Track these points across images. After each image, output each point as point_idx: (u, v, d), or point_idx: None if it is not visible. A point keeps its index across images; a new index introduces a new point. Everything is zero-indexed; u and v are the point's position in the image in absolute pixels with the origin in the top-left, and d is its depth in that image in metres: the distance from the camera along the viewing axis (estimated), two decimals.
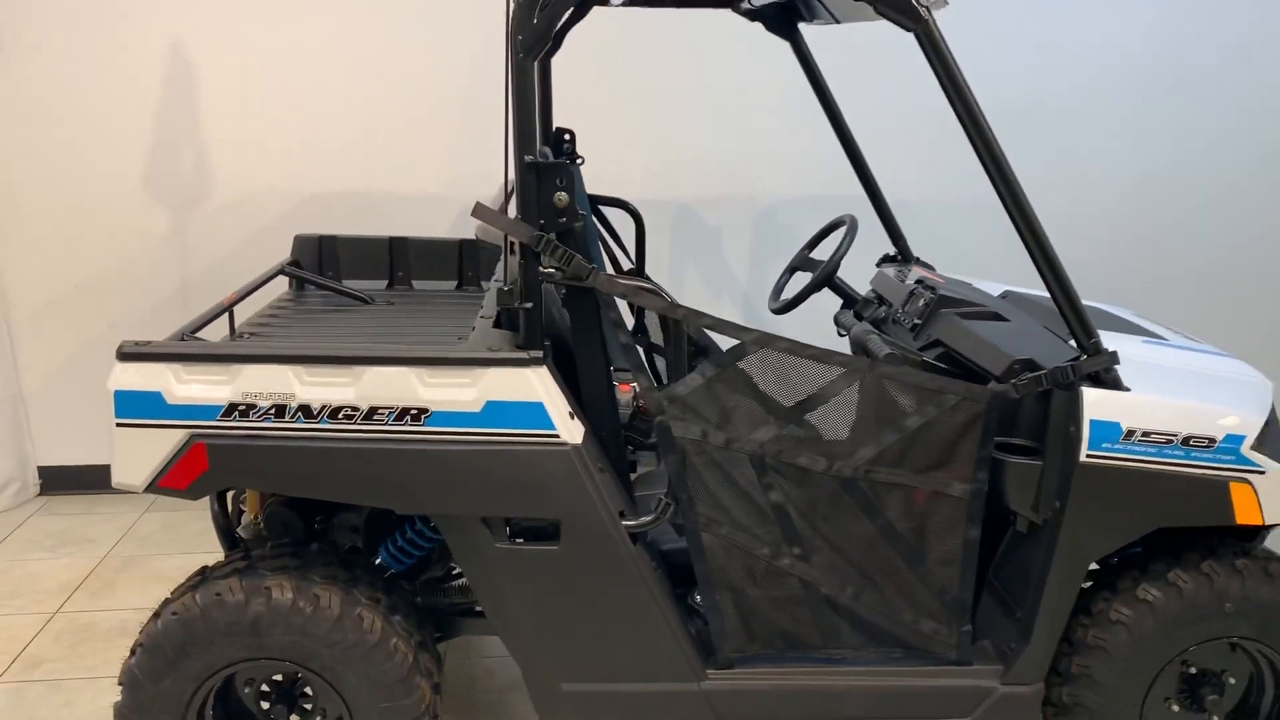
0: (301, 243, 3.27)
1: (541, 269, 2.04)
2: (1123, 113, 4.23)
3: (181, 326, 2.32)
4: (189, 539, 3.86)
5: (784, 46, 3.04)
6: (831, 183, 4.06)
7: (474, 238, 3.29)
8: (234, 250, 4.05)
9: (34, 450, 4.19)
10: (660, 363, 2.97)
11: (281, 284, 3.16)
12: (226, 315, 2.58)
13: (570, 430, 2.06)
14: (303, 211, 4.04)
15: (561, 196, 2.04)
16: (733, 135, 4.12)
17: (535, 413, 2.04)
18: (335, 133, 4.01)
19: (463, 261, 3.32)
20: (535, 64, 2.00)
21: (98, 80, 3.89)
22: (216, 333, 2.49)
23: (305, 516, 2.46)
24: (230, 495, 2.56)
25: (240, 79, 3.94)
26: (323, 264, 3.29)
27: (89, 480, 4.21)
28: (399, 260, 3.31)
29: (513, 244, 2.08)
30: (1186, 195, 4.34)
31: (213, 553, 3.62)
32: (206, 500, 3.81)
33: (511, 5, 1.99)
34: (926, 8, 1.98)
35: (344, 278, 3.27)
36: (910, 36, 2.02)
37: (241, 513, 2.58)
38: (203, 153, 3.98)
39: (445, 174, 4.06)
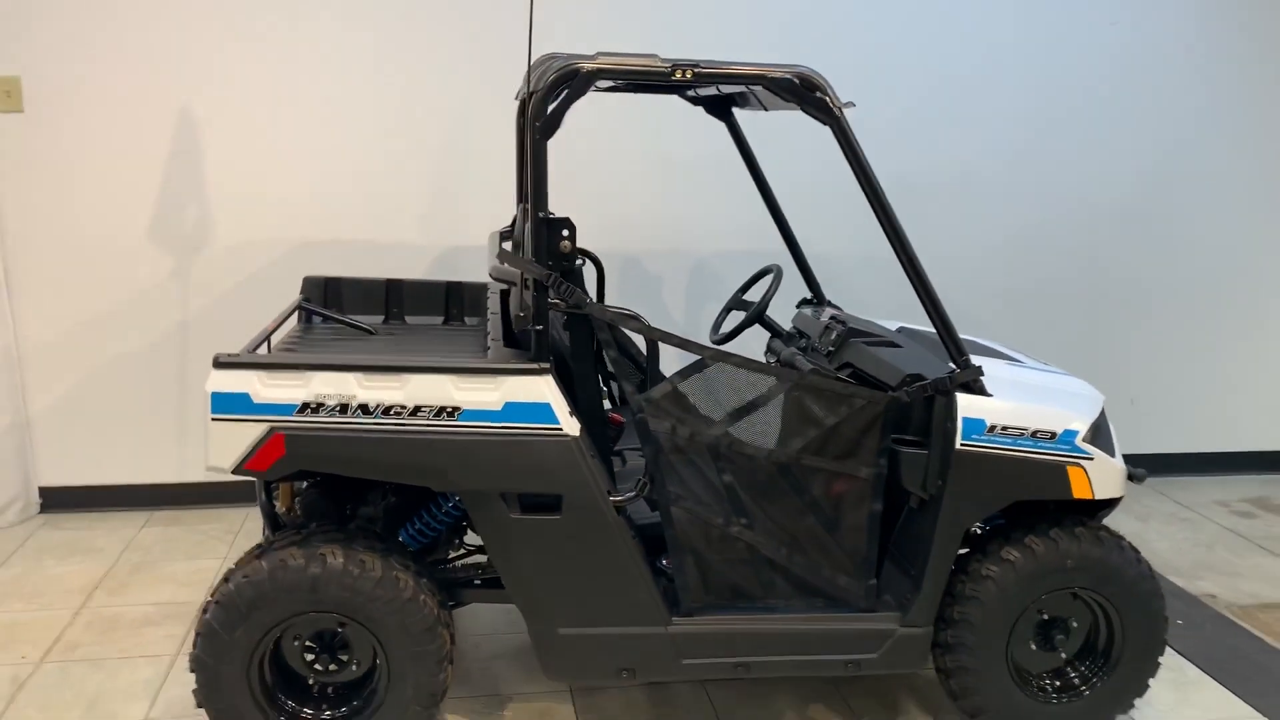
0: (310, 283, 3.80)
1: (549, 300, 2.64)
2: (994, 182, 5.02)
3: (244, 346, 2.83)
4: (189, 548, 4.27)
5: (720, 124, 3.70)
6: (756, 239, 4.75)
7: (456, 281, 3.87)
8: (229, 292, 4.53)
9: (35, 471, 4.58)
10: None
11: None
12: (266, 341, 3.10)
13: (570, 425, 2.64)
14: (292, 258, 4.54)
15: (565, 244, 2.65)
16: (674, 197, 4.74)
17: (544, 411, 2.62)
18: (324, 186, 4.51)
19: (449, 300, 3.89)
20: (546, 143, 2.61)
21: (110, 136, 4.31)
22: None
23: (336, 504, 3.00)
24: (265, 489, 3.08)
25: (240, 137, 4.42)
26: (327, 301, 3.83)
27: (86, 500, 4.60)
28: (394, 298, 3.86)
29: (526, 280, 2.67)
30: (1049, 249, 5.13)
31: (215, 558, 4.15)
32: (199, 518, 4.40)
33: (531, 98, 2.60)
34: (839, 108, 2.66)
35: (346, 313, 3.81)
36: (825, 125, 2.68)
37: (275, 500, 3.09)
38: (205, 204, 4.47)
39: (421, 223, 4.62)
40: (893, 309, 4.73)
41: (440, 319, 3.89)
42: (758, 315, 3.61)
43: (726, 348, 2.96)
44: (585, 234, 4.64)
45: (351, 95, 4.47)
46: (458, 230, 4.62)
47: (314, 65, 4.43)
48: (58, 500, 4.60)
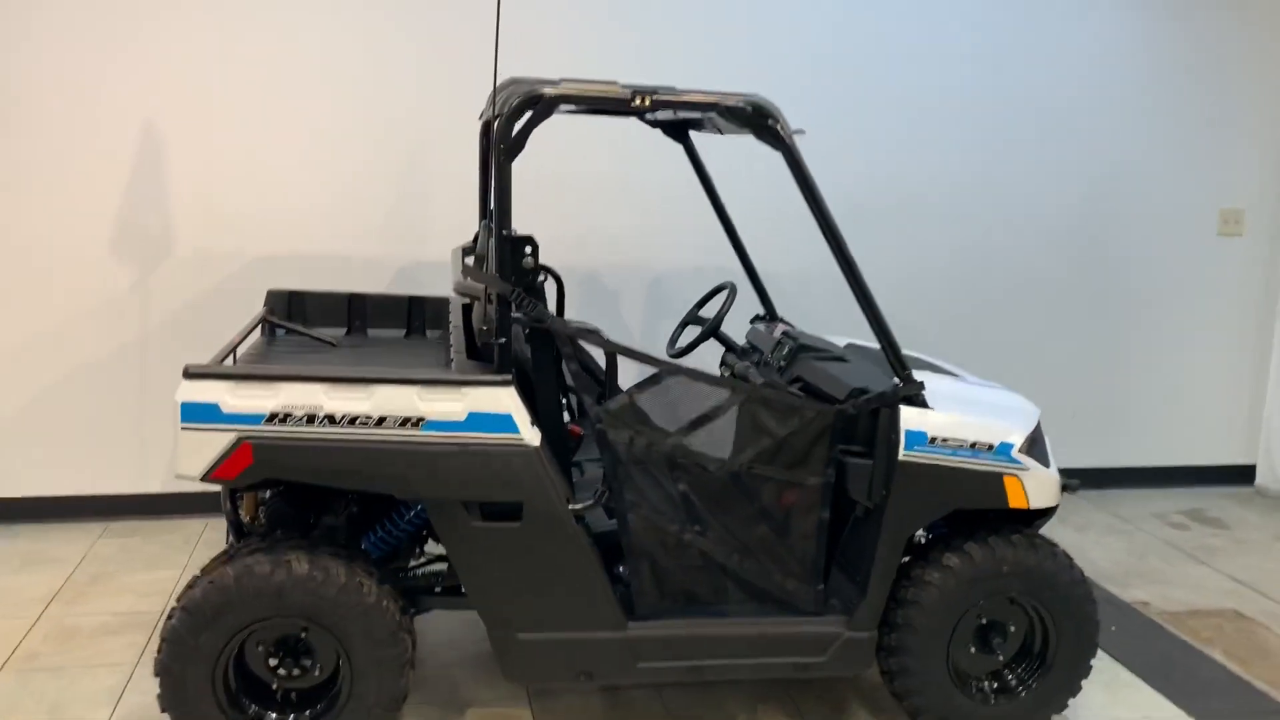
0: (273, 296, 3.87)
1: (512, 314, 2.74)
2: (940, 203, 5.20)
3: (212, 358, 2.89)
4: (147, 558, 4.29)
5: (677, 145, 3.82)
6: (712, 255, 4.88)
7: (418, 295, 3.96)
8: (190, 304, 4.57)
9: None
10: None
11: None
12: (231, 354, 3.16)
13: (531, 435, 2.74)
14: (254, 270, 4.60)
15: (528, 261, 2.75)
16: (632, 214, 4.86)
17: (506, 422, 2.72)
18: (286, 199, 4.57)
19: (411, 314, 3.98)
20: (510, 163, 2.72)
21: (71, 147, 4.35)
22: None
23: (300, 513, 3.07)
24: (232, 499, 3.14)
25: (203, 150, 4.47)
26: (291, 314, 3.90)
27: (43, 511, 4.60)
28: (357, 312, 3.94)
29: (490, 295, 2.76)
30: (991, 268, 5.32)
31: (173, 568, 4.18)
32: (157, 528, 4.42)
33: (496, 121, 2.70)
34: (789, 136, 2.79)
35: (309, 326, 3.88)
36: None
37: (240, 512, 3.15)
38: (167, 215, 4.51)
39: (384, 238, 4.70)
40: (843, 325, 4.88)
41: (402, 332, 3.97)
42: (712, 330, 3.74)
43: (683, 362, 3.07)
44: (547, 249, 4.72)
45: (315, 110, 4.55)
46: (420, 245, 4.71)
47: (278, 80, 4.50)
48: (14, 511, 4.60)
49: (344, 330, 3.92)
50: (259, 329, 3.75)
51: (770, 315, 3.98)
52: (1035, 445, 3.12)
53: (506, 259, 2.73)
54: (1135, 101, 5.29)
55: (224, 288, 4.59)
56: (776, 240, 4.97)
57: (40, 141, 4.36)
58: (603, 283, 4.91)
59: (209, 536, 4.52)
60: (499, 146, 2.66)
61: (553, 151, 4.67)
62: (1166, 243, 5.48)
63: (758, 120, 2.76)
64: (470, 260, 3.39)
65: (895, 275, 5.17)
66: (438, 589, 3.17)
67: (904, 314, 5.20)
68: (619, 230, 4.89)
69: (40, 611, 3.80)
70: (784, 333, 3.62)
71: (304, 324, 3.88)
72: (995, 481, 2.99)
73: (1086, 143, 5.28)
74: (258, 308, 4.43)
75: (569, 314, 4.77)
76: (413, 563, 3.33)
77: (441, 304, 3.97)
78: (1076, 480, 3.27)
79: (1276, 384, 5.62)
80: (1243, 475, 5.77)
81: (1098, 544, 4.87)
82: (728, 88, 4.75)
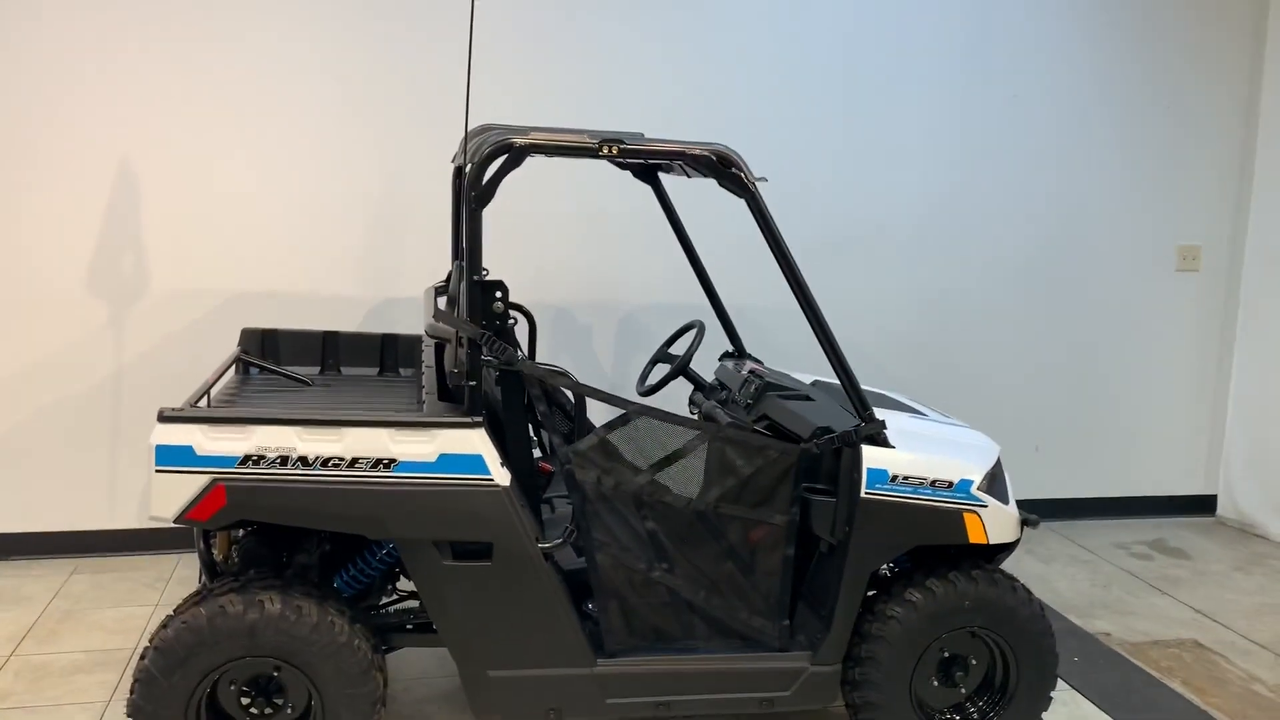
0: (247, 335, 3.92)
1: (482, 357, 2.80)
2: (905, 242, 5.31)
3: (185, 400, 2.92)
4: (118, 596, 4.30)
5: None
6: (681, 292, 4.95)
7: (392, 333, 4.02)
8: (165, 340, 4.60)
9: None
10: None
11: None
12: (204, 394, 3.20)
13: (501, 476, 2.79)
14: (229, 309, 4.64)
15: (498, 305, 2.82)
16: (603, 252, 4.94)
17: (476, 463, 2.77)
18: (263, 237, 4.62)
19: (384, 352, 4.03)
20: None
21: (46, 186, 4.39)
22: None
23: (274, 551, 3.11)
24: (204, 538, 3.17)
25: (178, 189, 4.52)
26: (264, 353, 3.94)
27: (13, 548, 4.60)
28: (330, 350, 3.99)
29: (461, 338, 2.82)
30: (955, 305, 5.41)
31: (145, 605, 4.20)
32: (129, 565, 4.43)
33: (467, 169, 2.77)
34: (753, 183, 2.88)
35: (283, 364, 3.92)
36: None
37: (215, 549, 3.19)
38: (142, 254, 4.54)
39: (358, 277, 4.75)
40: (812, 362, 4.95)
41: (376, 370, 4.02)
42: (681, 369, 3.81)
43: (652, 400, 3.15)
44: (518, 288, 4.78)
45: (289, 150, 4.61)
46: (394, 284, 4.77)
47: (253, 120, 4.56)
48: None
49: (318, 368, 3.97)
50: (233, 368, 3.79)
51: (739, 352, 4.06)
52: (995, 482, 3.20)
53: (477, 303, 2.80)
54: (1093, 140, 5.43)
55: (198, 326, 4.62)
56: (748, 276, 5.04)
57: (12, 180, 4.39)
58: (574, 319, 4.97)
59: (181, 574, 4.52)
60: (469, 195, 2.73)
61: (523, 189, 4.73)
62: (1126, 278, 5.60)
63: (721, 169, 2.85)
64: (443, 301, 3.45)
65: (860, 310, 5.27)
66: (409, 626, 3.20)
67: (869, 348, 5.30)
68: (589, 267, 4.96)
69: (11, 650, 3.80)
70: (751, 371, 3.70)
71: (278, 362, 3.92)
72: (955, 518, 3.07)
73: (1047, 181, 5.41)
74: (232, 345, 4.47)
75: (541, 351, 4.83)
76: (385, 600, 3.37)
77: (414, 342, 4.02)
78: (1036, 516, 3.35)
79: (1235, 416, 5.75)
80: (1204, 505, 5.89)
81: (1062, 575, 4.96)
82: (695, 126, 4.90)
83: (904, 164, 5.23)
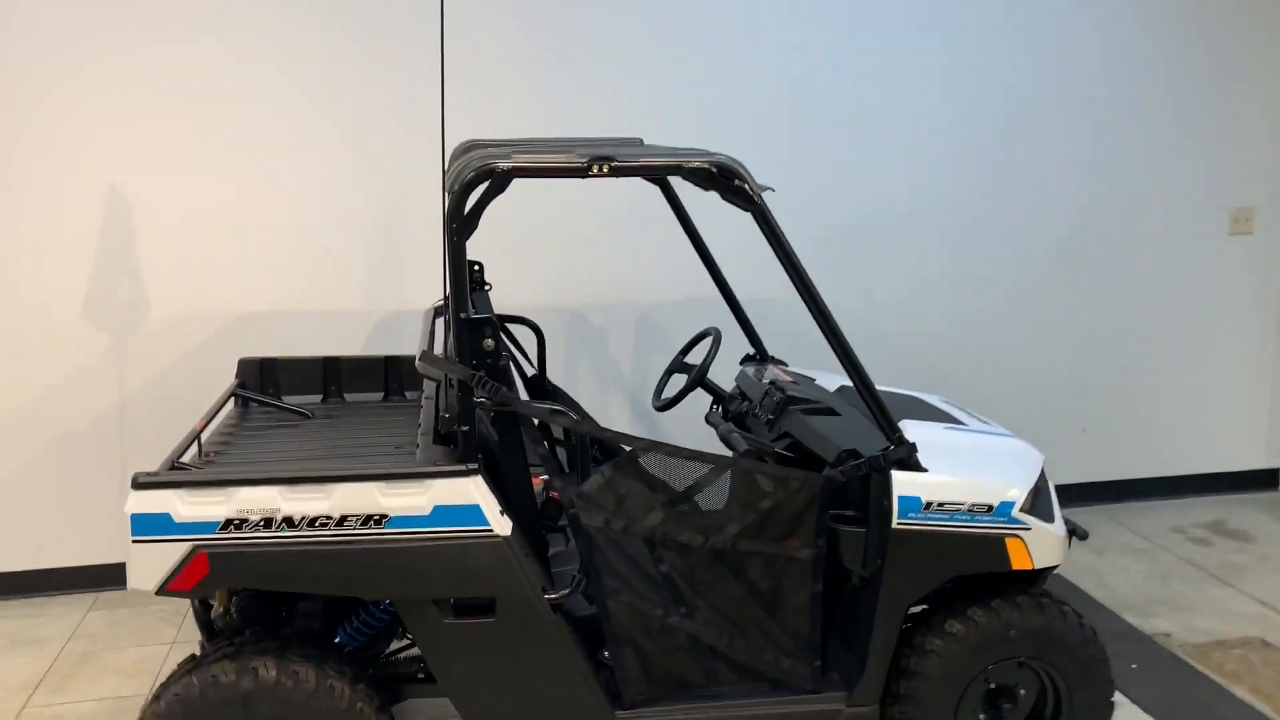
0: (245, 365, 3.75)
1: (475, 399, 2.60)
2: (936, 220, 5.02)
3: (168, 455, 2.75)
4: (135, 634, 4.19)
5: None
6: (696, 289, 4.73)
7: (394, 355, 3.83)
8: (168, 366, 4.46)
9: None
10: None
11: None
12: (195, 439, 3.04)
13: (501, 525, 2.60)
14: (234, 330, 4.48)
15: (488, 343, 2.61)
16: (611, 252, 4.71)
17: (473, 513, 2.58)
18: (263, 257, 4.45)
19: (388, 376, 3.85)
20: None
21: (37, 212, 4.25)
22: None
23: (273, 606, 2.95)
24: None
25: (173, 211, 4.35)
26: (264, 382, 3.77)
27: (29, 585, 4.52)
28: (332, 376, 3.81)
29: (451, 380, 2.63)
30: (992, 283, 5.12)
31: (161, 644, 4.06)
32: (147, 599, 4.28)
33: (446, 196, 2.56)
34: (759, 195, 2.64)
35: (284, 393, 3.76)
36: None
37: (211, 606, 3.03)
38: (140, 280, 4.40)
39: (362, 291, 4.57)
40: (826, 355, 4.71)
41: (380, 395, 3.84)
42: (698, 380, 3.59)
43: (669, 414, 2.92)
44: (523, 295, 4.62)
45: (286, 164, 4.42)
46: (400, 296, 4.58)
47: (246, 135, 4.37)
48: (1, 587, 4.51)
49: (320, 396, 3.80)
50: (231, 401, 3.63)
51: (760, 355, 3.83)
52: (1039, 499, 2.96)
53: (465, 342, 2.59)
54: (1140, 100, 5.08)
55: (202, 350, 4.47)
56: (772, 269, 4.80)
57: (3, 207, 4.25)
58: (587, 322, 4.76)
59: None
60: (450, 226, 2.52)
61: (522, 189, 4.52)
62: (1175, 244, 5.28)
63: (723, 181, 2.61)
64: (439, 326, 3.26)
65: (887, 296, 5.01)
66: (420, 675, 3.04)
67: (902, 337, 5.04)
68: (599, 268, 4.73)
69: (25, 701, 3.71)
70: (772, 382, 3.47)
71: (278, 391, 3.76)
72: (996, 544, 2.84)
73: (1090, 144, 5.08)
74: (232, 367, 4.32)
75: (554, 358, 4.64)
76: (394, 645, 3.21)
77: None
78: (1085, 529, 3.10)
79: None
80: (1265, 480, 5.59)
81: (1116, 567, 4.70)
82: (700, 118, 4.64)
83: (931, 133, 4.93)
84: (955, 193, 5.00)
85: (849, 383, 3.60)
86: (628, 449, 2.71)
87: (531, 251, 4.64)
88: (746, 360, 3.87)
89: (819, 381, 3.59)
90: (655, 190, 3.72)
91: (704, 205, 3.95)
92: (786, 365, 3.81)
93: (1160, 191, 5.20)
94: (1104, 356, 5.31)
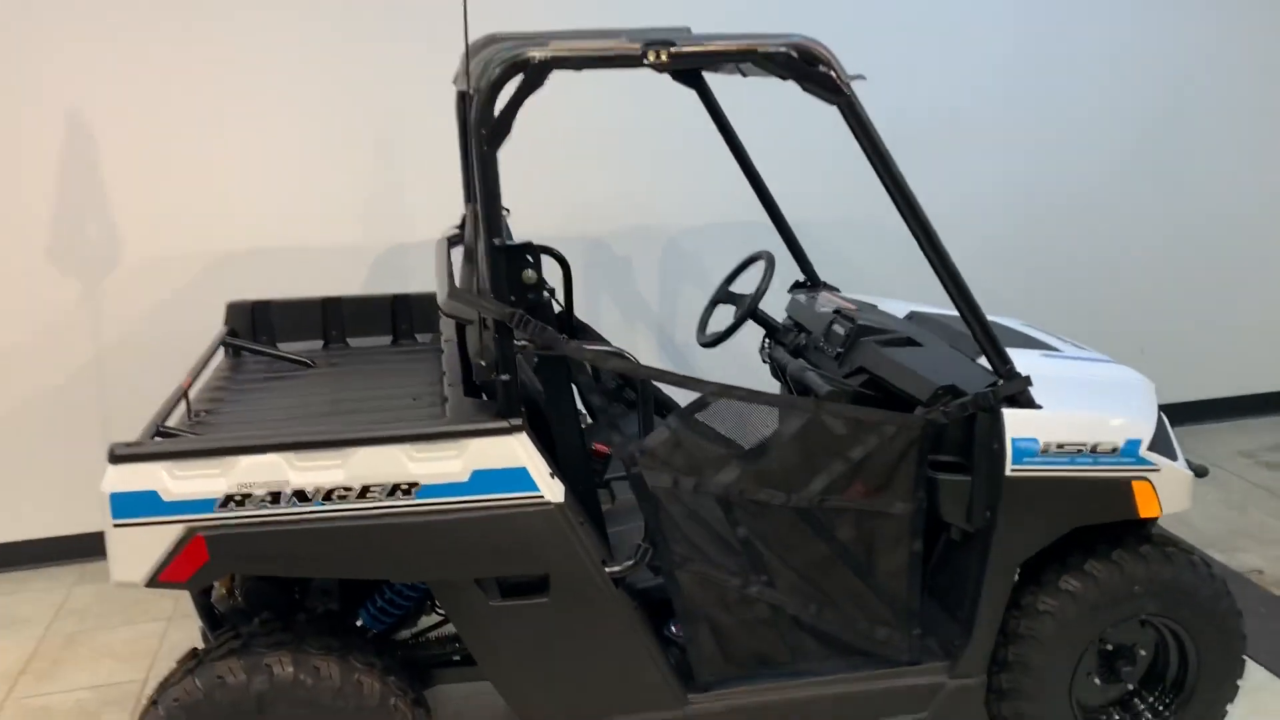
0: (235, 310, 3.30)
1: (516, 341, 2.18)
2: (991, 128, 4.58)
3: (149, 422, 2.32)
4: (127, 608, 3.81)
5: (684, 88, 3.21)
6: (729, 208, 4.29)
7: (407, 293, 3.39)
8: (148, 313, 4.01)
9: None
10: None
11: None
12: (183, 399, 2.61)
13: (552, 490, 2.20)
14: (219, 271, 4.03)
15: (530, 274, 2.18)
16: (632, 170, 4.27)
17: (520, 477, 2.18)
18: (247, 190, 3.99)
19: (396, 317, 3.41)
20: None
21: None
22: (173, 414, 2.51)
23: (283, 586, 2.54)
24: None
25: (144, 141, 3.89)
26: (256, 329, 3.33)
27: (8, 558, 4.12)
28: (333, 320, 3.37)
29: (486, 321, 2.20)
30: (1045, 196, 4.71)
31: (156, 620, 3.66)
32: None
33: (473, 96, 2.11)
34: (847, 84, 2.20)
35: (279, 340, 3.32)
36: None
37: (213, 588, 2.63)
38: (109, 218, 3.93)
39: (361, 224, 4.11)
40: (893, 283, 4.30)
41: (388, 339, 3.41)
42: (750, 312, 3.18)
43: (704, 353, 2.50)
44: (541, 224, 4.15)
45: (268, 86, 3.93)
46: (403, 228, 4.12)
47: (222, 54, 3.87)
48: None
49: (321, 342, 3.36)
50: (220, 351, 3.19)
51: (811, 281, 3.42)
52: (1160, 434, 2.57)
53: (502, 274, 2.16)
54: (1206, 5, 4.63)
55: (183, 295, 4.02)
56: (809, 187, 4.36)
57: None
58: (610, 251, 4.31)
59: None
60: (479, 132, 2.08)
61: (537, 101, 4.04)
62: (1238, 156, 4.91)
63: (805, 67, 2.17)
64: (459, 258, 2.81)
65: (943, 208, 4.56)
66: (456, 657, 2.66)
67: (954, 251, 4.60)
68: (620, 188, 4.26)
69: (7, 691, 3.33)
70: (836, 310, 3.05)
71: (273, 338, 3.33)
72: (1123, 489, 2.45)
73: (1153, 52, 4.65)
74: (221, 311, 3.88)
75: (576, 296, 4.19)
76: (424, 623, 2.81)
77: (431, 300, 3.40)
78: (1205, 465, 2.73)
79: None
80: None
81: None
82: (748, 10, 4.14)
83: (984, 36, 4.45)
84: (1006, 96, 4.56)
85: (915, 309, 3.19)
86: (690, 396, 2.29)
87: (534, 170, 4.15)
88: (796, 287, 3.45)
89: (883, 308, 3.17)
90: (684, 94, 3.26)
91: (740, 106, 3.49)
92: (840, 291, 3.39)
93: (1224, 101, 4.82)
94: (1161, 273, 4.97)
